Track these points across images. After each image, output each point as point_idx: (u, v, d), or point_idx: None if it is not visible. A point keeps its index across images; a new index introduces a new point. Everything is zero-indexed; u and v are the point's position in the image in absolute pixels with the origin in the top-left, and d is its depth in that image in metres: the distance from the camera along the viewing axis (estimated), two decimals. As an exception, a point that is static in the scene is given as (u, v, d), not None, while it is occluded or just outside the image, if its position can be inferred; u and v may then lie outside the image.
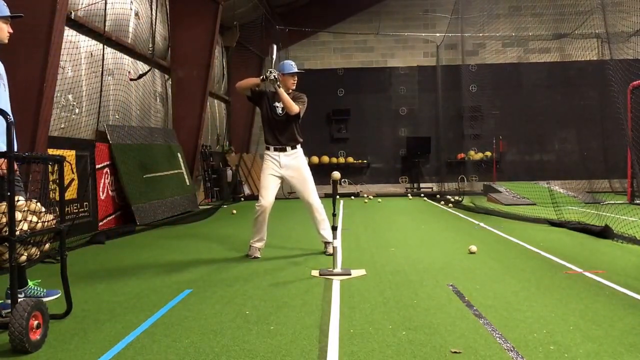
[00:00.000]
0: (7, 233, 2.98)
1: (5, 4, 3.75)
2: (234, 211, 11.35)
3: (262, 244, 5.82)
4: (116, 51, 9.54)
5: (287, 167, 5.70)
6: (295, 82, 5.80)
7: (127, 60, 10.06)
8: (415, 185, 17.69)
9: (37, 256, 3.34)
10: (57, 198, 3.54)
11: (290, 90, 5.75)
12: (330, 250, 5.62)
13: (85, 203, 7.97)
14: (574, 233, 7.23)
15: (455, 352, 2.83)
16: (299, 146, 5.79)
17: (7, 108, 3.61)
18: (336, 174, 5.06)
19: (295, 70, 5.75)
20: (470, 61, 16.62)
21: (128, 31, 10.04)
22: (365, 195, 15.62)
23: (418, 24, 17.95)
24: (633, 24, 8.10)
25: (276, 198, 5.76)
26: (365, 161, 17.99)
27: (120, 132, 9.24)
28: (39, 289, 4.01)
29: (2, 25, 3.70)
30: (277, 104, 5.73)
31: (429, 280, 4.52)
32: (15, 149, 3.03)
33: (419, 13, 17.93)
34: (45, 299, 3.88)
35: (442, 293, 4.08)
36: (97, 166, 8.41)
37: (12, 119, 3.06)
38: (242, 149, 16.49)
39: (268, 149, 5.78)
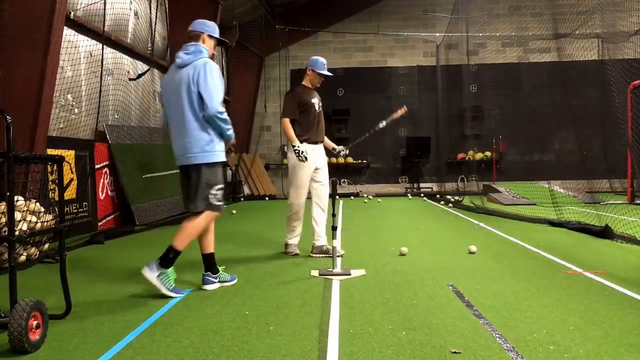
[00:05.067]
0: (6, 233, 2.98)
1: (216, 27, 4.12)
2: (234, 211, 11.33)
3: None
4: (115, 51, 9.53)
5: None
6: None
7: (126, 60, 10.05)
8: (415, 185, 17.67)
9: (37, 256, 3.34)
10: (57, 198, 3.54)
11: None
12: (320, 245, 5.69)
13: (84, 203, 7.97)
14: (574, 233, 7.23)
15: (455, 352, 2.83)
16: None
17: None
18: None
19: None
20: (471, 61, 16.61)
21: (127, 31, 10.04)
22: (365, 195, 15.62)
23: (418, 24, 17.93)
24: (633, 24, 8.10)
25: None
26: (365, 161, 17.97)
27: (119, 132, 9.23)
28: (226, 274, 4.52)
29: (212, 44, 4.09)
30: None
31: (429, 280, 4.52)
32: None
33: (419, 13, 17.90)
34: (228, 284, 4.45)
35: (442, 293, 4.07)
36: (97, 166, 8.40)
37: (11, 119, 3.06)
38: (242, 149, 16.48)
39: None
